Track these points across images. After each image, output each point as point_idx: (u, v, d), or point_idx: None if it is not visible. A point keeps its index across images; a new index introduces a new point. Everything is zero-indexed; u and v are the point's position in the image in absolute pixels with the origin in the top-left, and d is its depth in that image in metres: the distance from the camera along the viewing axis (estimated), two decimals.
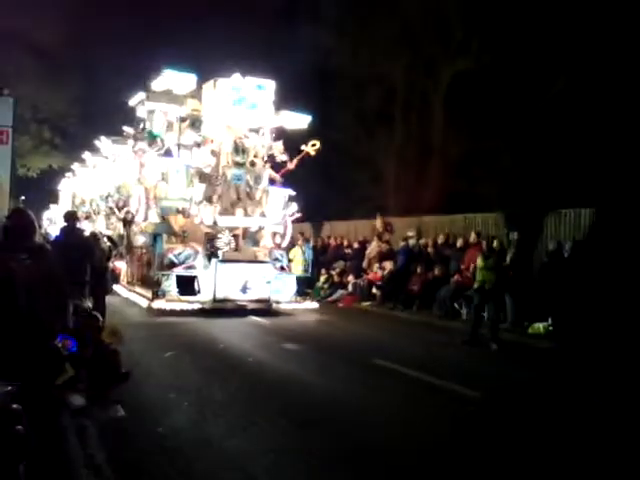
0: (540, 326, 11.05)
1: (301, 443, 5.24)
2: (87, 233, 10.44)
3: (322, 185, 22.69)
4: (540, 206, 14.02)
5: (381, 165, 23.45)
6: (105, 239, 10.85)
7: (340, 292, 16.45)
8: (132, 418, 5.71)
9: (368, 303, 15.47)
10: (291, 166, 14.89)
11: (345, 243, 18.58)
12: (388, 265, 15.32)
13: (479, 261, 10.64)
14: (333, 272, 17.35)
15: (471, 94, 19.83)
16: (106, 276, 10.01)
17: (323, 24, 20.59)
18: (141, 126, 16.26)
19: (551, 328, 10.97)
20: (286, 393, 6.81)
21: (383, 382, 7.61)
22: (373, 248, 16.60)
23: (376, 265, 15.92)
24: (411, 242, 15.84)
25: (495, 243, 11.20)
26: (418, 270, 14.45)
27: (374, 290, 15.62)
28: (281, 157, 14.70)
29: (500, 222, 14.61)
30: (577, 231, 12.76)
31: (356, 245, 17.79)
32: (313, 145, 14.97)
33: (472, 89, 19.83)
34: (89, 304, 8.47)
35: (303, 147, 15.02)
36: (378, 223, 17.51)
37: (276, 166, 15.06)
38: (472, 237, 13.84)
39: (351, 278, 16.64)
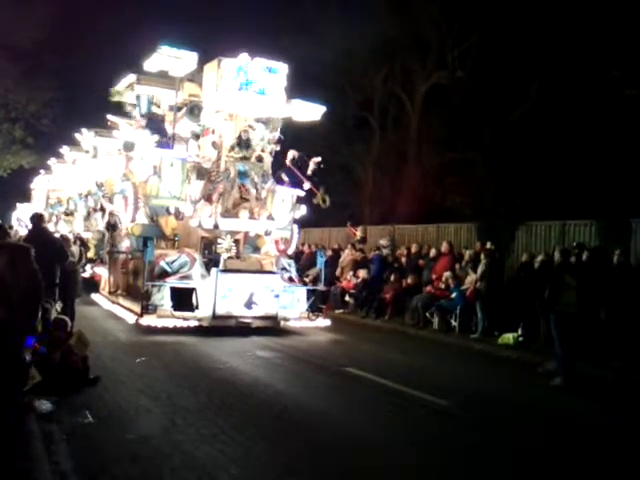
0: (510, 336, 11.19)
1: (271, 452, 5.23)
2: (58, 235, 10.26)
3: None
4: (511, 218, 14.25)
5: (358, 173, 23.67)
6: (76, 241, 10.67)
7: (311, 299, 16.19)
8: (101, 424, 5.64)
9: (340, 311, 15.49)
10: (305, 186, 13.30)
11: None
12: (362, 273, 15.37)
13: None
14: (306, 279, 17.28)
15: (446, 107, 20.26)
16: (75, 280, 9.85)
17: (305, 32, 20.69)
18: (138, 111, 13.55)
19: (521, 339, 11.12)
20: (257, 401, 6.78)
21: (354, 391, 7.64)
22: (347, 256, 16.65)
23: (350, 273, 15.96)
24: (385, 251, 15.96)
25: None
26: (391, 279, 14.55)
27: (347, 298, 15.65)
28: (292, 166, 13.14)
29: (472, 233, 14.85)
30: (547, 243, 13.03)
31: (329, 253, 17.80)
32: (324, 201, 13.47)
33: (447, 102, 20.27)
34: (58, 308, 8.36)
35: (316, 193, 13.45)
36: (360, 233, 17.52)
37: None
38: (444, 247, 14.00)
39: (320, 285, 16.50)
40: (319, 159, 13.34)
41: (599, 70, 15.79)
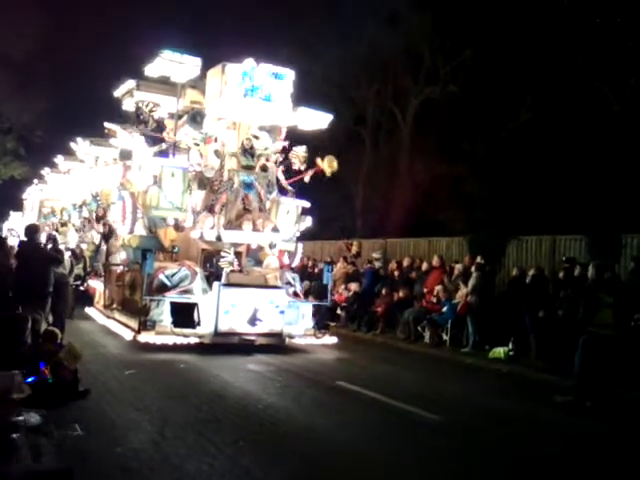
0: (501, 351, 11.23)
1: (261, 466, 5.19)
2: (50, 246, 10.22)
3: None
4: (502, 232, 14.33)
5: (350, 187, 23.77)
6: (75, 253, 10.62)
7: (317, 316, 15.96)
8: (90, 437, 5.59)
9: (332, 324, 15.46)
10: (306, 178, 12.69)
11: (310, 263, 18.60)
12: (354, 286, 15.39)
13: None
14: None
15: (438, 121, 20.46)
16: (67, 291, 9.82)
17: (299, 45, 20.86)
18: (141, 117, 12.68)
19: (511, 353, 11.15)
20: (247, 414, 6.74)
21: (347, 406, 7.61)
22: (339, 269, 16.67)
23: (342, 286, 15.97)
24: (377, 264, 16.00)
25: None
26: (383, 292, 14.57)
27: (338, 311, 15.64)
28: (301, 166, 12.53)
29: (464, 247, 14.92)
30: (538, 257, 13.13)
31: (322, 266, 17.79)
32: (330, 164, 12.51)
33: (439, 117, 20.46)
34: (49, 319, 8.33)
35: (319, 161, 12.61)
36: (355, 248, 17.53)
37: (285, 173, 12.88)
38: (435, 260, 14.05)
39: (311, 299, 16.46)
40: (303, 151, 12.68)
41: (590, 86, 16.01)
